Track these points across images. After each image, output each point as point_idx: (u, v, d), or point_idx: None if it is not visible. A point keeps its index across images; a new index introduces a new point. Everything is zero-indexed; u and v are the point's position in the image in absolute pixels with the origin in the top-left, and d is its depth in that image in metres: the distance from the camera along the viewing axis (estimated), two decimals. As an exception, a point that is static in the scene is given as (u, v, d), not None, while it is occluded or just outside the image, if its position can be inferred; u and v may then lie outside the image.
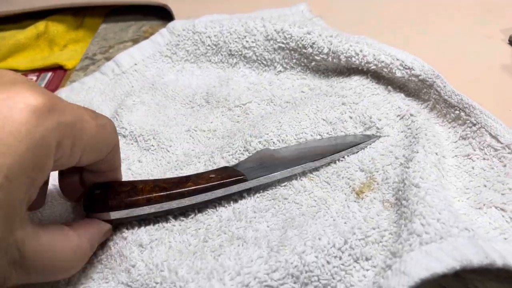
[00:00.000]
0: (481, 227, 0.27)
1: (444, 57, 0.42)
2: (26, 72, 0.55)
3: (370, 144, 0.34)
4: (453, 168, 0.32)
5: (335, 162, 0.33)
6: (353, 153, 0.34)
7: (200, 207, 0.31)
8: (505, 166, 0.30)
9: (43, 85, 0.53)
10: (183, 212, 0.31)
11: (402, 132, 0.34)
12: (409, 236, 0.25)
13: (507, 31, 0.43)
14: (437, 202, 0.26)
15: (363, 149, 0.34)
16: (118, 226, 0.30)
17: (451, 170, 0.31)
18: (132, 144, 0.39)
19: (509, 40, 0.43)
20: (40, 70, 0.55)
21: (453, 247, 0.23)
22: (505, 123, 0.31)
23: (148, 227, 0.30)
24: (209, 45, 0.46)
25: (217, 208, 0.31)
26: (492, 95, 0.38)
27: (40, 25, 0.58)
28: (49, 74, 0.55)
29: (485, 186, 0.30)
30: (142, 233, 0.29)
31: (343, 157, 0.33)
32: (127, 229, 0.29)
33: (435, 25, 0.47)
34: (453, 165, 0.32)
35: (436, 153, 0.31)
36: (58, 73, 0.55)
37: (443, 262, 0.23)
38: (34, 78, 0.54)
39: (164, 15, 0.57)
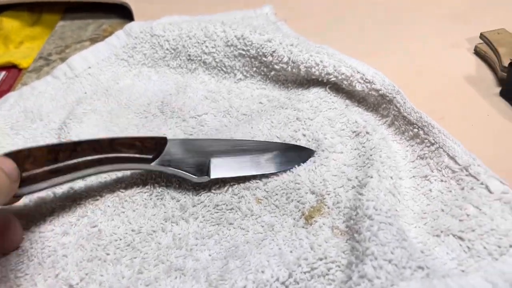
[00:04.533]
0: (438, 258, 0.26)
1: (408, 67, 0.41)
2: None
3: (321, 160, 0.32)
4: (411, 191, 0.30)
5: (282, 175, 0.32)
6: (299, 166, 0.32)
7: (139, 231, 0.29)
8: (462, 189, 0.29)
9: (-6, 86, 0.50)
10: (120, 238, 0.29)
11: (355, 149, 0.33)
12: (359, 280, 0.23)
13: (473, 40, 0.42)
14: (390, 239, 0.25)
15: (309, 160, 0.32)
16: (50, 256, 0.28)
17: (408, 193, 0.30)
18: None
19: (474, 50, 0.41)
20: (-7, 69, 0.52)
21: None
22: (467, 138, 0.30)
23: (81, 256, 0.28)
24: (167, 49, 0.44)
25: (156, 234, 0.29)
26: (455, 107, 0.36)
27: (-6, 21, 0.55)
28: (3, 73, 0.52)
29: (442, 210, 0.28)
30: (73, 267, 0.27)
31: (291, 170, 0.32)
32: (58, 262, 0.27)
33: (401, 33, 0.46)
34: (410, 186, 0.31)
35: (391, 177, 0.29)
36: (13, 72, 0.52)
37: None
38: (-14, 77, 0.51)
39: (126, 13, 0.54)
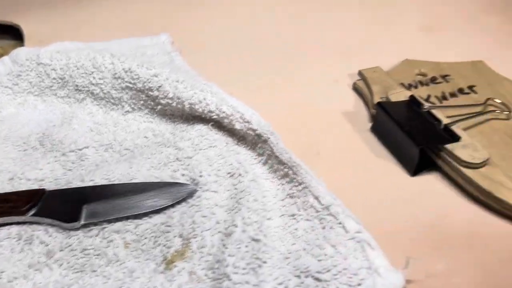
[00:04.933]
0: None
1: (292, 102, 0.43)
2: None
3: (192, 197, 0.33)
4: (279, 230, 0.31)
5: (154, 216, 0.32)
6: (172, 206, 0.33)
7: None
8: (324, 228, 0.30)
9: None
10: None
11: (228, 191, 0.34)
12: None
13: (353, 76, 0.44)
14: None
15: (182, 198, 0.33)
16: None
17: (276, 232, 0.31)
18: None
19: (353, 86, 0.44)
20: None
21: None
22: (337, 173, 0.33)
23: None
24: (54, 78, 0.43)
25: (17, 281, 0.28)
26: (330, 142, 0.38)
27: None
28: None
29: (304, 249, 0.30)
30: None
31: (165, 212, 0.32)
32: None
33: (289, 68, 0.47)
34: (279, 226, 0.32)
35: (256, 221, 0.30)
36: None
37: None
38: None
39: (19, 35, 0.52)
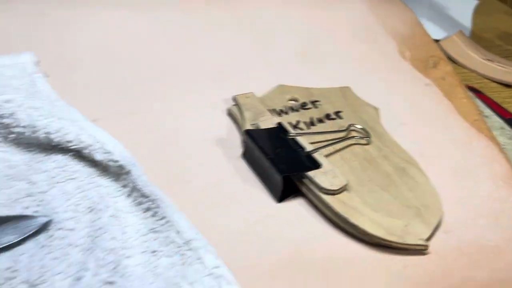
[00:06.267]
0: None
1: (166, 127, 0.42)
2: None
3: (45, 240, 0.30)
4: (140, 268, 0.30)
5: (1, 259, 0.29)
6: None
7: None
8: (183, 264, 0.29)
9: None
10: None
11: (86, 228, 0.31)
12: None
13: (228, 101, 0.44)
14: None
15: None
16: None
17: (135, 271, 0.30)
18: None
19: (228, 112, 0.44)
20: None
21: None
22: (203, 204, 0.32)
23: None
24: None
25: None
26: (202, 170, 0.38)
27: None
28: None
29: (162, 289, 0.29)
30: None
31: (12, 255, 0.29)
32: None
33: (164, 91, 0.46)
34: (139, 263, 0.30)
35: (112, 261, 0.29)
36: None
37: None
38: None
39: None
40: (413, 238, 0.32)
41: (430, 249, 0.32)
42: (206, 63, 0.50)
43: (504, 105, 0.56)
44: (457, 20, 0.75)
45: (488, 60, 0.64)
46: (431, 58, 0.54)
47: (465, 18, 0.76)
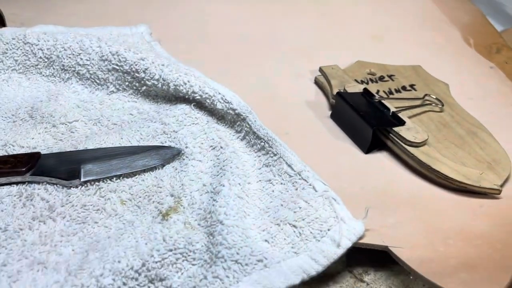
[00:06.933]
0: (278, 244, 0.32)
1: (262, 91, 0.48)
2: None
3: (179, 161, 0.37)
4: (258, 192, 0.36)
5: (147, 179, 0.36)
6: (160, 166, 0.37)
7: (5, 229, 0.31)
8: (296, 189, 0.36)
9: None
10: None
11: (211, 160, 0.38)
12: (213, 280, 0.29)
13: (314, 72, 0.51)
14: (236, 240, 0.30)
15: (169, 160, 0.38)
16: None
17: (255, 193, 0.36)
18: None
19: (314, 80, 0.50)
20: None
21: (248, 284, 0.28)
22: (304, 149, 0.38)
23: None
24: (40, 57, 0.45)
25: (23, 231, 0.31)
26: (296, 125, 0.44)
27: None
28: None
29: (281, 205, 0.35)
30: None
31: (156, 176, 0.36)
32: None
33: (257, 62, 0.53)
34: (257, 189, 0.37)
35: (239, 183, 0.35)
36: None
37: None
38: None
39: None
40: (488, 183, 0.38)
41: (502, 194, 0.38)
42: (293, 42, 0.57)
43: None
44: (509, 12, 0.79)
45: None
46: (494, 45, 0.59)
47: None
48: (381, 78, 0.51)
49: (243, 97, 0.47)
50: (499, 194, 0.38)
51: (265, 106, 0.46)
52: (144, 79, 0.43)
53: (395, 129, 0.41)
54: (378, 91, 0.48)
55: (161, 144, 0.39)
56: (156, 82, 0.43)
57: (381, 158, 0.42)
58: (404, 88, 0.49)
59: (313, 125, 0.45)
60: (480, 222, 0.35)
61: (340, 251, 0.31)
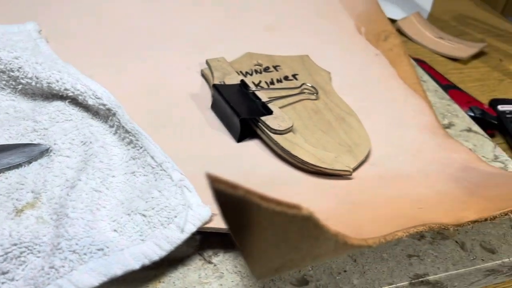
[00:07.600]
0: (126, 233, 0.34)
1: (150, 84, 0.49)
2: None
3: (46, 158, 0.38)
4: (121, 184, 0.38)
5: (11, 177, 0.37)
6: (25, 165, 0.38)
7: None
8: (156, 180, 0.37)
9: None
10: None
11: (80, 156, 0.39)
12: (49, 270, 0.30)
13: (203, 64, 0.52)
14: (78, 232, 0.32)
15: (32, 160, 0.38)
16: None
17: (118, 186, 0.38)
18: None
19: (201, 73, 0.52)
20: None
21: (82, 272, 0.30)
22: (179, 140, 0.40)
23: None
24: None
25: None
26: (178, 117, 0.46)
27: None
28: None
29: (138, 196, 0.36)
30: None
31: (20, 174, 0.37)
32: None
33: (150, 56, 0.54)
34: (121, 181, 0.38)
35: (99, 177, 0.37)
36: None
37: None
38: None
39: None
40: (341, 165, 0.40)
41: (355, 175, 0.41)
42: (188, 35, 0.58)
43: (447, 75, 0.64)
44: (419, 3, 0.83)
45: (440, 38, 0.72)
46: (383, 33, 0.62)
47: (427, 2, 0.84)
48: (266, 69, 0.53)
49: (127, 91, 0.48)
50: (350, 175, 0.41)
51: (149, 99, 0.48)
52: (19, 78, 0.44)
53: (263, 118, 0.43)
54: (260, 82, 0.50)
55: (30, 142, 0.40)
56: (30, 81, 0.44)
57: (252, 146, 0.44)
58: (286, 78, 0.52)
59: (194, 117, 0.47)
60: (326, 200, 0.38)
61: (184, 236, 0.33)
